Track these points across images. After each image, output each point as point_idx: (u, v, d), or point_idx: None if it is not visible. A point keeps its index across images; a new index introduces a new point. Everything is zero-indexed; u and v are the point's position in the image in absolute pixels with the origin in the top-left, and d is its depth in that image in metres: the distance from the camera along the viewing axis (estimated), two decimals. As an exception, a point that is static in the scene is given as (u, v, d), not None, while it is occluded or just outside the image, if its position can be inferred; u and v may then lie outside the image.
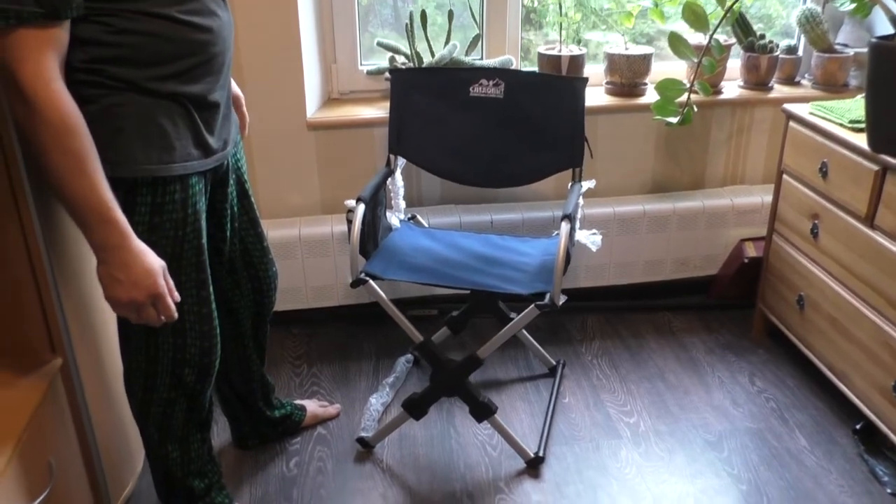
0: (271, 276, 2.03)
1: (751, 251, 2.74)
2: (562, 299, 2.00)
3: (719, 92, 2.79)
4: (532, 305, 1.97)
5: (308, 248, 2.62)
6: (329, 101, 2.80)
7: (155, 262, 1.43)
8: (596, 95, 2.78)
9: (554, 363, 2.59)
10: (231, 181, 1.79)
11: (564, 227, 2.01)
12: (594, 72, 2.85)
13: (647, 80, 2.77)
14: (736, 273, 2.78)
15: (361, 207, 2.10)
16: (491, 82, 2.31)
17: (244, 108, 2.00)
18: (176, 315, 1.49)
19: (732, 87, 2.85)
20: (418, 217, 2.51)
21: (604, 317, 2.91)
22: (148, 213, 1.52)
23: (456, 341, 2.70)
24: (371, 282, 2.07)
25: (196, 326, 1.68)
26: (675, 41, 2.39)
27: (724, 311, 2.92)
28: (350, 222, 2.09)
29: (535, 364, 2.63)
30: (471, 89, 2.32)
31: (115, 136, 1.44)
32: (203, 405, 1.82)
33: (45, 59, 1.28)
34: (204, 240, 1.64)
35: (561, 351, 2.70)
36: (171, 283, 1.48)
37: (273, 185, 2.69)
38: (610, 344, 2.74)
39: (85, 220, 1.35)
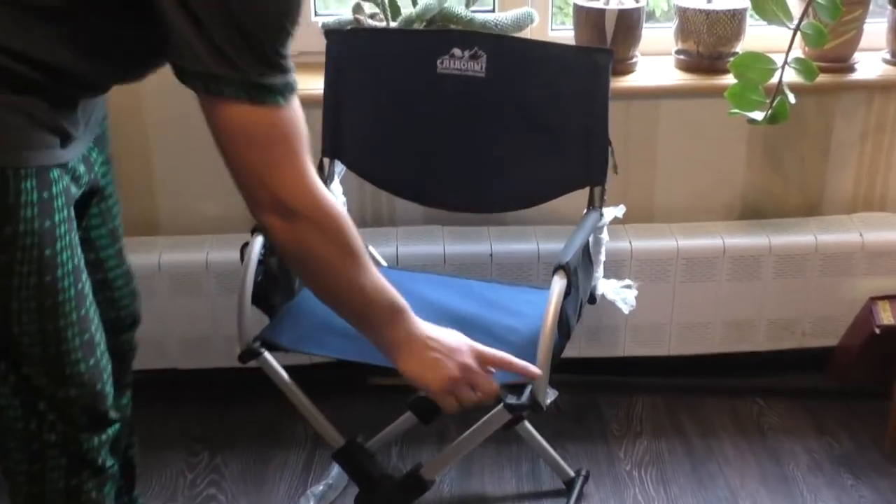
0: None
1: (885, 315, 2.28)
2: (551, 395, 1.61)
3: (850, 69, 2.27)
4: (500, 405, 1.56)
5: (220, 281, 2.22)
6: (270, 67, 2.31)
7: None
8: (661, 70, 2.32)
9: (572, 474, 2.09)
10: None
11: (557, 283, 1.57)
12: (660, 36, 2.38)
13: (737, 50, 2.25)
14: (864, 346, 2.31)
15: (259, 241, 1.71)
16: (467, 53, 1.91)
17: None
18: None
19: (873, 61, 2.33)
20: (371, 249, 2.03)
21: (661, 400, 2.42)
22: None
23: (434, 428, 2.10)
24: (267, 355, 1.70)
25: None
26: (760, -6, 1.83)
27: (847, 401, 2.39)
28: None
29: (544, 473, 2.14)
30: (438, 63, 1.93)
31: None
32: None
33: None
34: None
35: (587, 452, 2.22)
36: None
37: (176, 189, 2.34)
38: (664, 445, 2.24)
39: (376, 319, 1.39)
